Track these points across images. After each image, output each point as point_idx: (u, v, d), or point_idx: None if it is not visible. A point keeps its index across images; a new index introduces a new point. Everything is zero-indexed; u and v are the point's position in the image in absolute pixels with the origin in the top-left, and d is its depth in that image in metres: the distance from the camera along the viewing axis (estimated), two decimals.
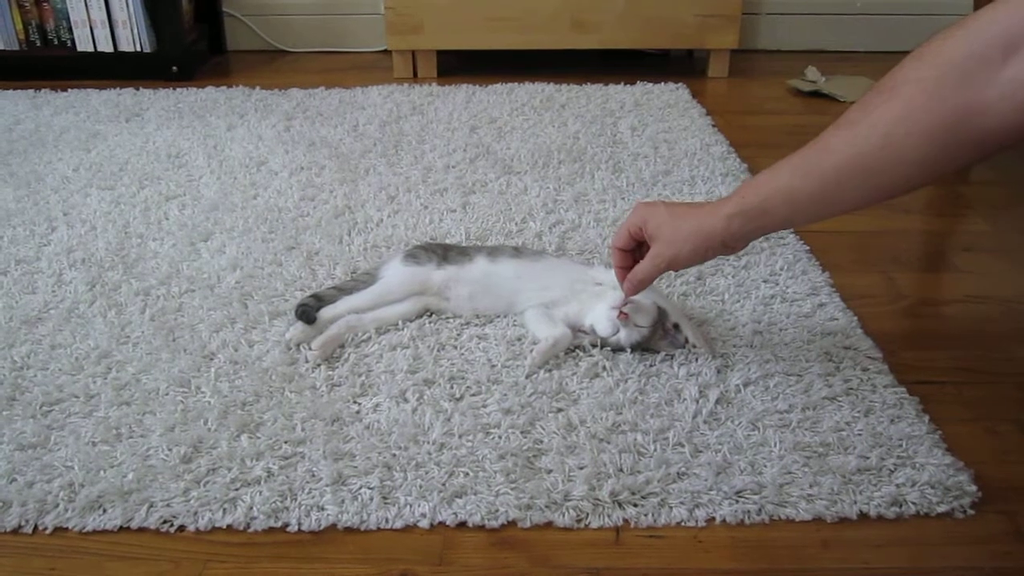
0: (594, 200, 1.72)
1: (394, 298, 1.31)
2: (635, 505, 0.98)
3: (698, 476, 1.01)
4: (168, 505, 0.98)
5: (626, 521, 0.96)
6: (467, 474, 1.02)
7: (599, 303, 1.23)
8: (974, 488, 0.99)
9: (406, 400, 1.14)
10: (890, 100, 0.93)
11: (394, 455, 1.04)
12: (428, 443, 1.06)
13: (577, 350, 1.23)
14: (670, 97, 2.36)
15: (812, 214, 1.05)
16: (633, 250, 1.16)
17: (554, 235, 1.57)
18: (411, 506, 0.98)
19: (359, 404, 1.14)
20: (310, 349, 1.22)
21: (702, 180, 1.82)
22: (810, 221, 1.08)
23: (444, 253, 1.34)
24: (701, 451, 1.05)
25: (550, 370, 1.20)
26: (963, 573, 0.92)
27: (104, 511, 0.98)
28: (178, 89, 2.46)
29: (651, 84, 2.45)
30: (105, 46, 2.58)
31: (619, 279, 1.17)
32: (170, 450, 1.05)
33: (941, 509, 0.97)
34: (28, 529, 0.96)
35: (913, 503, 0.98)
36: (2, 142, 2.07)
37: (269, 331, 1.29)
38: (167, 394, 1.16)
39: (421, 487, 1.00)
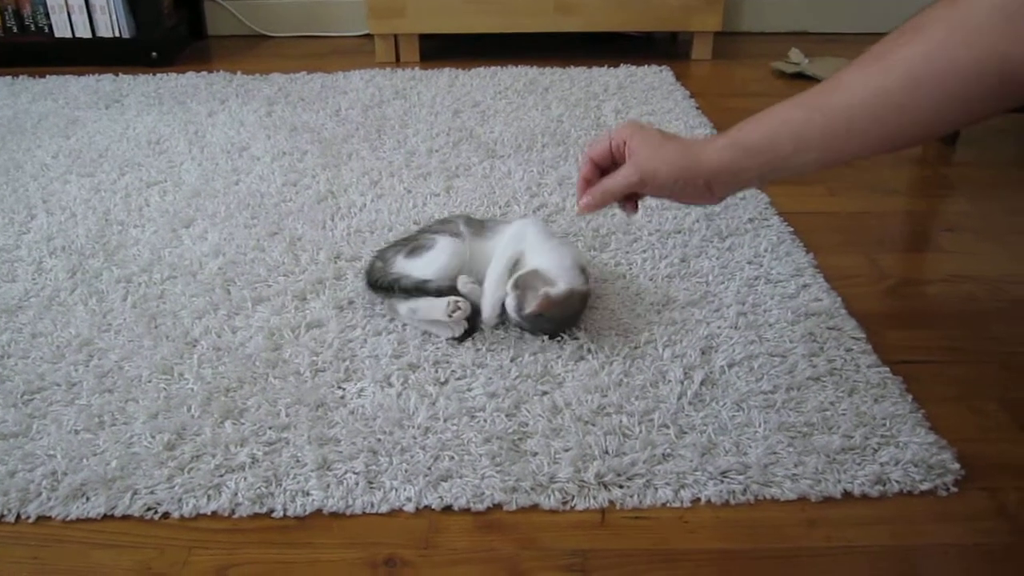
0: None
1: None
2: (621, 487, 0.98)
3: (683, 457, 1.01)
4: (152, 492, 0.98)
5: (612, 503, 0.97)
6: (452, 458, 1.01)
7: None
8: (957, 466, 1.00)
9: (391, 385, 1.14)
10: (915, 39, 0.85)
11: (379, 440, 1.04)
12: (413, 427, 1.06)
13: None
14: (654, 80, 2.35)
15: (816, 158, 0.94)
16: (606, 168, 1.06)
17: (538, 218, 1.57)
18: (396, 490, 0.97)
19: (343, 389, 1.14)
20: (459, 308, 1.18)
21: None
22: (813, 166, 0.96)
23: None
24: (686, 432, 1.05)
25: (535, 353, 1.19)
26: (946, 550, 0.92)
27: (87, 499, 0.97)
28: (158, 75, 2.43)
29: (635, 67, 2.44)
30: (83, 32, 2.55)
31: (579, 190, 1.06)
32: (153, 437, 1.05)
33: (924, 487, 0.98)
34: (11, 518, 0.96)
35: (897, 481, 0.98)
36: None
37: (252, 317, 1.28)
38: (150, 381, 1.15)
39: (406, 471, 1.00)
